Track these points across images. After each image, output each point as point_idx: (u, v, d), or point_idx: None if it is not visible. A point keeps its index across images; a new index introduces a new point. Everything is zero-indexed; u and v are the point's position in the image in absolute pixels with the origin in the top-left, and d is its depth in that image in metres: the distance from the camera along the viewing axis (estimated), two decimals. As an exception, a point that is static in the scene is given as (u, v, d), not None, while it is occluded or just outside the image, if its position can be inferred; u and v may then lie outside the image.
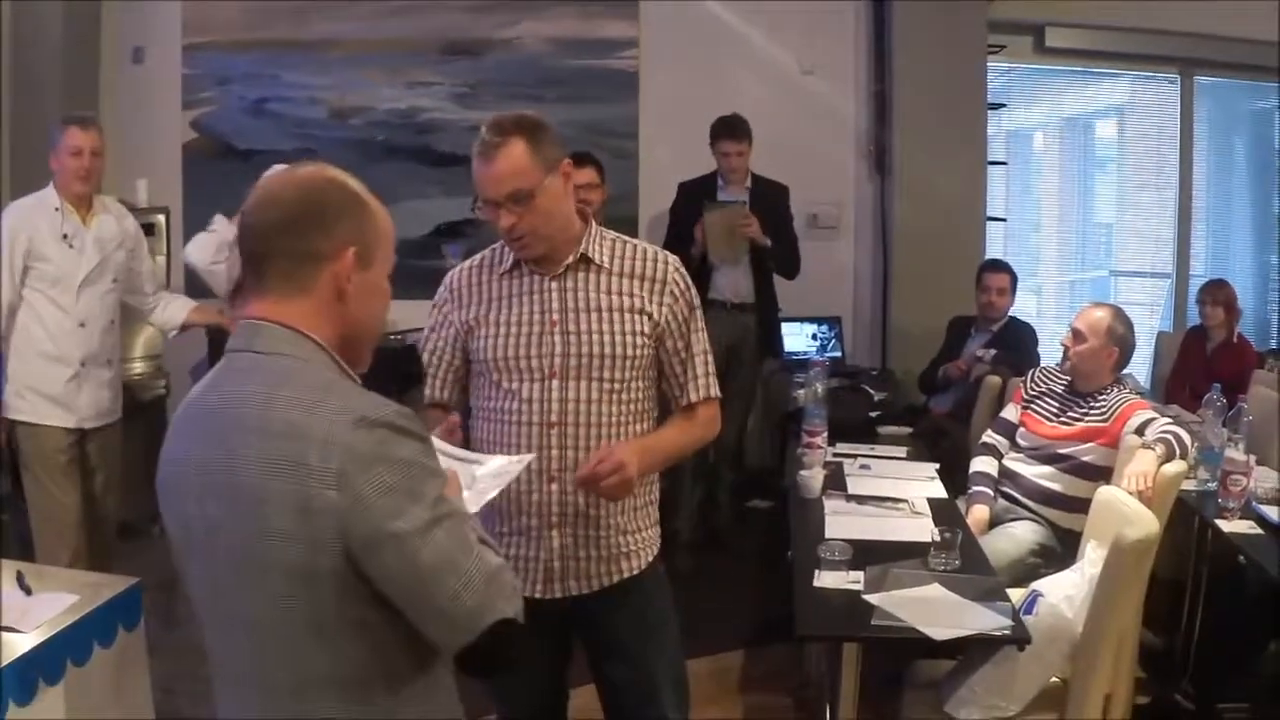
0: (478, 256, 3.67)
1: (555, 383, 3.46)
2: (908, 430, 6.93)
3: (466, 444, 3.42)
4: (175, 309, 6.39)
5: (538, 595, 3.53)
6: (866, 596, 4.11)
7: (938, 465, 5.99)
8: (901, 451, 6.34)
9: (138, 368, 8.05)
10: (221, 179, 8.77)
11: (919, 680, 4.61)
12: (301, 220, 2.29)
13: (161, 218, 8.53)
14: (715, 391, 3.70)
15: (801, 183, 8.59)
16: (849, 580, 4.23)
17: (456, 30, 9.43)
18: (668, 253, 3.67)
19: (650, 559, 3.70)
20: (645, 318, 3.53)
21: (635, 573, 3.64)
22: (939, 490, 5.59)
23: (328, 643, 2.20)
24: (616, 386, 3.51)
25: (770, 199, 7.98)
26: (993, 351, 7.68)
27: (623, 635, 3.67)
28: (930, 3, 8.91)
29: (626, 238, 3.66)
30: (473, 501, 2.84)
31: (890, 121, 9.22)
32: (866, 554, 4.42)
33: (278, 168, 5.99)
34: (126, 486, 6.40)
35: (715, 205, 7.71)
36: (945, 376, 7.99)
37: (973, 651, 4.28)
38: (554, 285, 3.50)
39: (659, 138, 9.16)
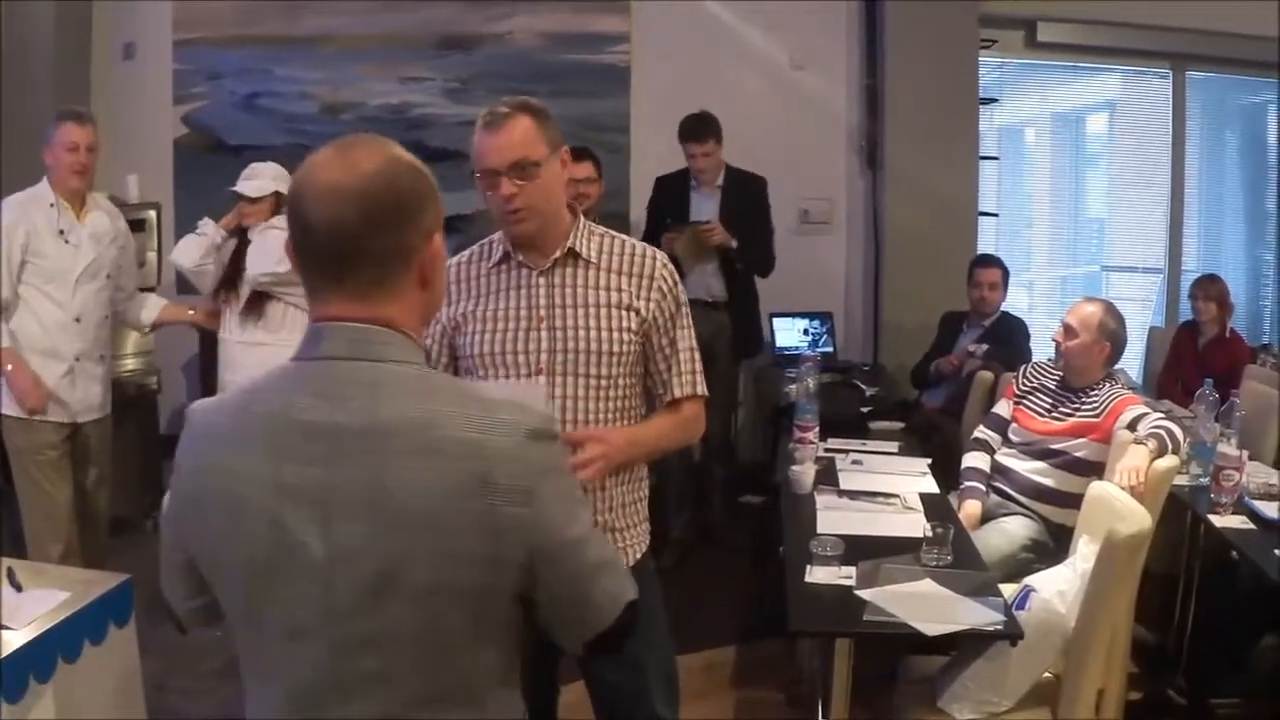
0: (466, 252, 3.66)
1: (542, 379, 3.46)
2: (899, 425, 6.93)
3: None
4: (148, 308, 6.42)
5: None
6: (858, 592, 4.10)
7: (930, 460, 5.99)
8: (893, 447, 6.34)
9: (129, 364, 8.03)
10: (212, 174, 8.75)
11: (911, 676, 4.61)
12: (390, 215, 2.09)
13: (152, 213, 8.52)
14: (702, 389, 3.71)
15: (793, 178, 8.62)
16: (841, 575, 4.22)
17: (448, 25, 9.44)
18: (656, 249, 3.67)
19: (639, 555, 3.71)
20: (633, 314, 3.53)
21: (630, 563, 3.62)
22: (931, 485, 5.59)
23: (474, 652, 2.15)
24: (603, 383, 3.51)
25: (745, 193, 7.91)
26: (984, 346, 7.68)
27: None
28: (922, -2, 8.93)
29: (614, 233, 3.66)
30: None
31: (882, 116, 9.22)
32: (858, 549, 4.40)
33: (258, 166, 6.04)
34: (118, 481, 6.41)
35: (676, 231, 7.55)
36: (937, 371, 7.99)
37: (965, 647, 4.28)
38: (541, 280, 3.50)
39: (651, 133, 9.14)
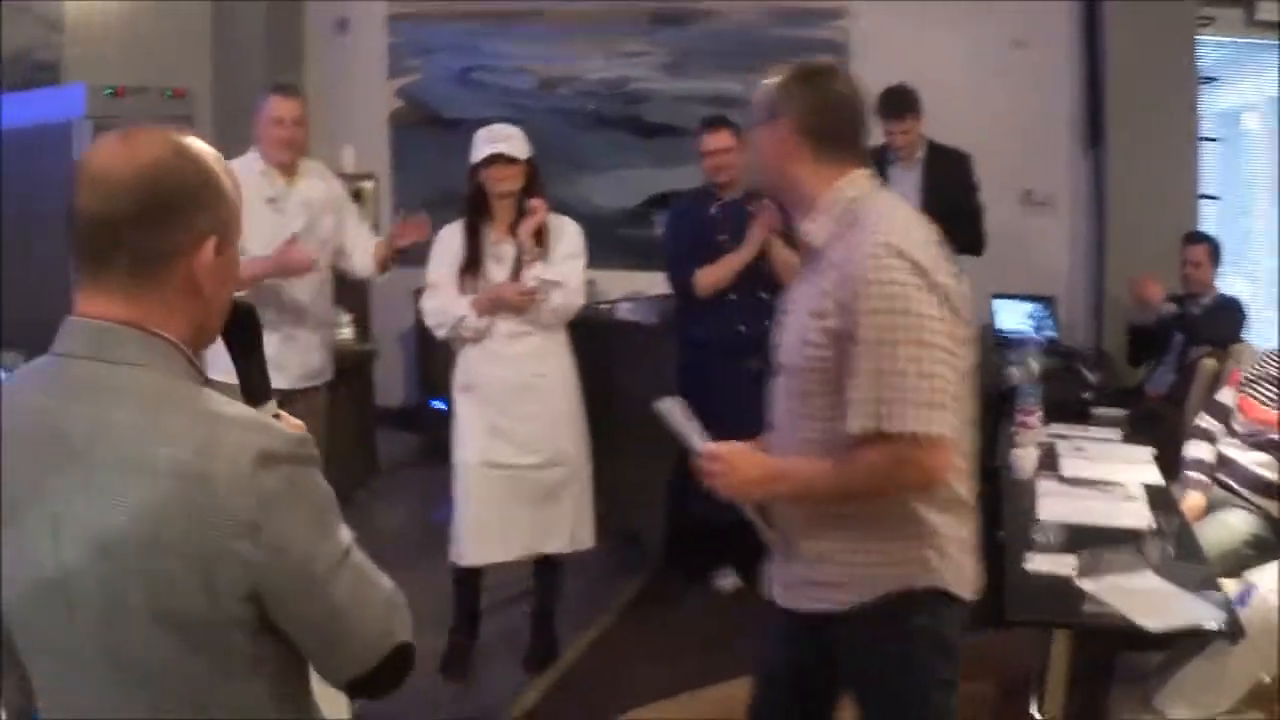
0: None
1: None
2: (1123, 413, 6.77)
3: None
4: (360, 254, 6.24)
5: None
6: (1079, 582, 4.03)
7: (1154, 450, 5.84)
8: (1116, 434, 6.21)
9: (344, 332, 8.06)
10: (429, 147, 8.88)
11: (1127, 673, 4.53)
12: (155, 212, 1.97)
13: (369, 184, 8.62)
14: (892, 424, 2.90)
15: (1014, 158, 8.51)
16: (1061, 564, 4.16)
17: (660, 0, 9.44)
18: None
19: (859, 599, 3.15)
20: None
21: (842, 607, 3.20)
22: (1154, 475, 5.44)
23: (227, 683, 1.99)
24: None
25: (947, 169, 7.63)
26: (1171, 306, 7.53)
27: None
28: (1141, -25, 8.74)
29: None
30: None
31: (1103, 96, 9.03)
32: (1078, 537, 4.36)
33: (502, 128, 5.83)
34: (330, 451, 6.47)
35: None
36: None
37: (1183, 643, 4.18)
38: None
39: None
